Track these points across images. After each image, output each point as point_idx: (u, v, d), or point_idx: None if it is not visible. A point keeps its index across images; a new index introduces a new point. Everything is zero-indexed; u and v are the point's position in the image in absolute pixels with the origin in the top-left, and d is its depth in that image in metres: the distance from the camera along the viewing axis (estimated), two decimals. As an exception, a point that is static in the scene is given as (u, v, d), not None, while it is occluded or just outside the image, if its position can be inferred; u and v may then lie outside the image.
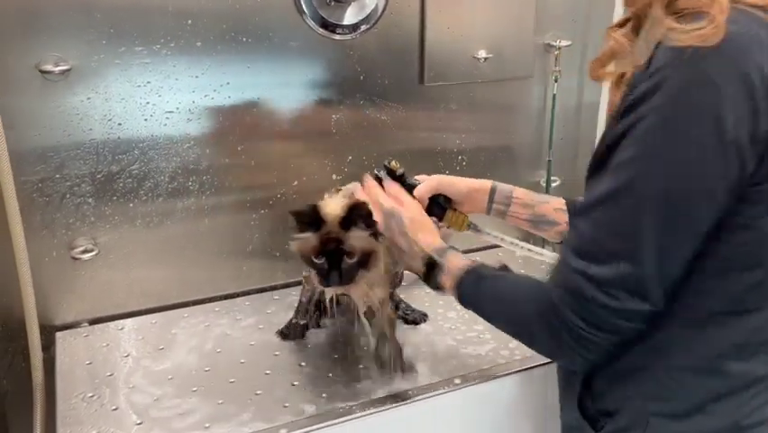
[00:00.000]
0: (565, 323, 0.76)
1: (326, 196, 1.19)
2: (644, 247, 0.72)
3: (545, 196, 1.21)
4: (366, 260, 1.06)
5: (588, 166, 0.82)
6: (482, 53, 1.61)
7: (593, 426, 0.88)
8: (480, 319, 0.97)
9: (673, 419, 0.81)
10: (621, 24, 0.84)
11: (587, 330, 0.75)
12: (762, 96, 0.68)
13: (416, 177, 1.19)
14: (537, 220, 1.17)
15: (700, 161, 0.70)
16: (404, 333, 1.36)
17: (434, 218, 1.17)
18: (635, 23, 0.80)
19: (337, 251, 1.03)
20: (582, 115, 1.82)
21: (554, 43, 1.71)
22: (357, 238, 1.04)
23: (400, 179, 1.16)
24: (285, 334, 1.36)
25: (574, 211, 0.80)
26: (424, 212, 1.13)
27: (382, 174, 1.16)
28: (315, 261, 1.05)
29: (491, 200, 1.19)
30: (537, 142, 1.79)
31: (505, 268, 0.97)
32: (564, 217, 1.16)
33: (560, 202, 1.18)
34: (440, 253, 1.02)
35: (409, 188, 1.16)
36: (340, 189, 1.22)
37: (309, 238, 1.04)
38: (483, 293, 0.94)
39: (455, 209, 1.20)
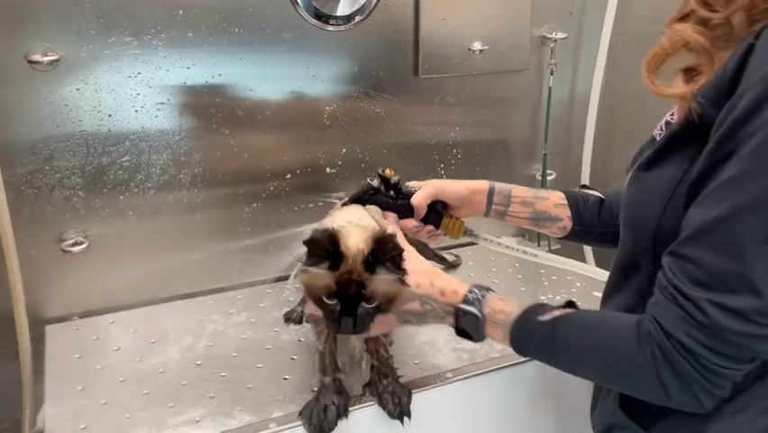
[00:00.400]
0: (698, 362, 0.68)
1: (335, 210, 1.09)
2: None
3: (544, 191, 1.19)
4: (387, 305, 0.88)
5: (645, 159, 0.78)
6: (478, 45, 1.60)
7: (640, 423, 0.81)
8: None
9: (734, 414, 0.75)
10: (682, 18, 0.76)
11: (724, 365, 0.68)
12: None
13: (409, 183, 1.14)
14: (538, 218, 1.15)
15: None
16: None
17: (431, 226, 1.15)
18: (706, 18, 0.73)
19: (355, 295, 0.86)
20: (577, 108, 1.81)
21: (550, 36, 1.70)
22: (382, 282, 0.86)
23: (395, 188, 1.12)
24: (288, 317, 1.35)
25: (580, 209, 0.74)
26: (420, 256, 0.99)
27: (376, 183, 1.11)
28: (327, 301, 0.87)
29: (490, 201, 1.16)
30: (533, 135, 1.78)
31: (572, 304, 0.85)
32: (566, 212, 1.14)
33: (559, 197, 1.15)
34: (473, 301, 0.88)
35: (406, 196, 1.12)
36: (345, 202, 1.12)
37: (323, 275, 0.87)
38: (562, 337, 0.80)
39: (451, 216, 1.17)
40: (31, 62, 1.24)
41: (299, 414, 1.00)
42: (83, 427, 1.07)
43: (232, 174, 1.47)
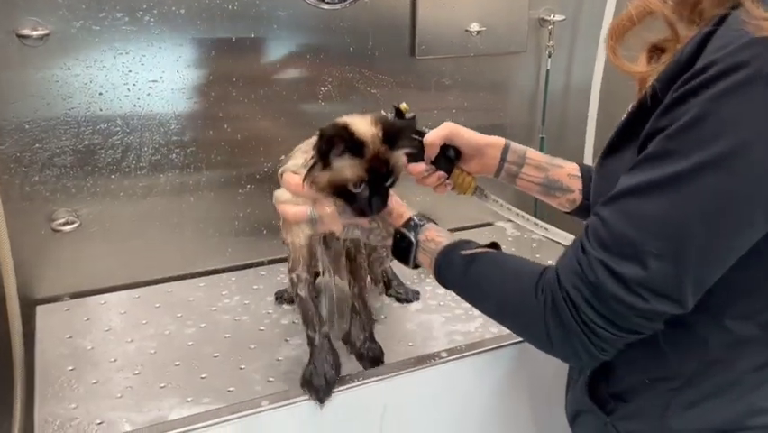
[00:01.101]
0: (580, 317, 0.69)
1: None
2: (686, 247, 0.64)
3: (559, 159, 1.11)
4: (397, 179, 0.93)
5: (606, 146, 0.76)
6: (475, 26, 1.58)
7: (603, 409, 0.83)
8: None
9: (692, 405, 0.77)
10: None
11: (604, 327, 0.69)
12: None
13: (424, 128, 1.09)
14: (550, 185, 1.08)
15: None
16: (393, 310, 1.34)
17: (443, 173, 1.08)
18: None
19: (382, 175, 0.90)
20: (575, 91, 1.80)
21: (548, 18, 1.68)
22: (400, 157, 0.93)
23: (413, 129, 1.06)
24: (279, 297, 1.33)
25: (589, 182, 0.72)
26: None
27: (391, 117, 1.06)
28: (354, 190, 0.89)
29: (503, 159, 1.08)
30: (529, 118, 1.77)
31: (495, 246, 0.86)
32: (578, 185, 1.08)
33: (574, 168, 1.09)
34: (413, 227, 0.91)
35: (419, 134, 1.06)
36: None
37: (353, 164, 0.89)
38: (475, 274, 0.83)
39: (462, 169, 1.10)
40: (20, 37, 1.22)
41: (301, 385, 1.01)
42: (73, 406, 1.06)
43: (225, 155, 1.45)
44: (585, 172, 1.09)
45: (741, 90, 0.60)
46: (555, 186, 1.08)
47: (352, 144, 0.89)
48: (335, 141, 0.88)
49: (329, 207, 0.94)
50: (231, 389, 1.10)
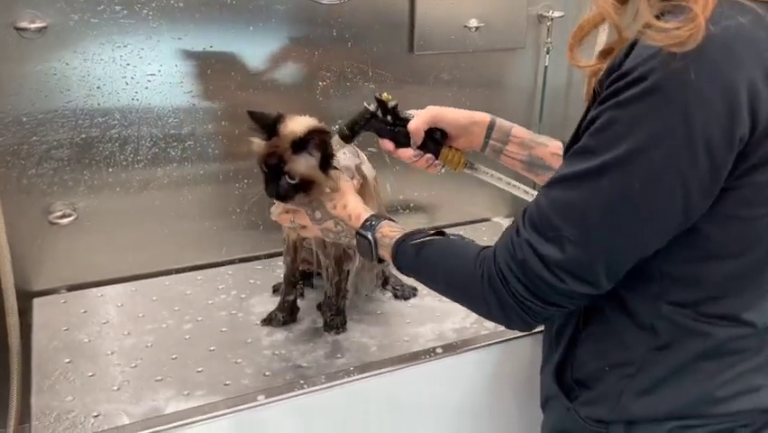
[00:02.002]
0: (510, 290, 0.76)
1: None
2: (594, 235, 0.71)
3: (544, 138, 1.13)
4: (307, 186, 1.04)
5: (569, 139, 0.78)
6: (474, 22, 1.58)
7: (567, 395, 0.88)
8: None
9: (646, 392, 0.80)
10: None
11: (531, 300, 0.76)
12: (744, 108, 0.64)
13: (409, 111, 1.09)
14: (533, 163, 1.11)
15: (664, 158, 0.67)
16: (390, 306, 1.35)
17: (430, 155, 1.10)
18: None
19: (277, 167, 1.03)
20: (573, 87, 1.80)
21: (547, 14, 1.68)
22: (301, 163, 1.04)
23: (393, 113, 1.07)
24: (271, 319, 1.29)
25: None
26: (349, 187, 1.08)
27: (372, 107, 1.06)
28: (262, 168, 1.05)
29: (488, 135, 1.11)
30: (528, 114, 1.77)
31: (441, 233, 0.93)
32: (560, 163, 1.10)
33: (558, 146, 1.11)
34: (369, 227, 0.98)
35: (403, 122, 1.07)
36: (341, 129, 1.11)
37: (258, 144, 1.06)
38: (424, 259, 0.90)
39: (451, 146, 1.11)
40: (18, 29, 1.21)
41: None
42: (70, 398, 1.07)
43: (223, 149, 1.45)
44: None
45: (640, 101, 0.66)
46: (538, 164, 1.11)
47: (270, 129, 1.05)
48: (259, 122, 1.06)
49: (305, 219, 1.09)
50: (227, 383, 1.10)
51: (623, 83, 0.67)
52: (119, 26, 1.29)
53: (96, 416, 1.03)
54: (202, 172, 1.45)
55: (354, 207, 1.04)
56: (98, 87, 1.31)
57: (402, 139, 1.08)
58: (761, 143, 0.66)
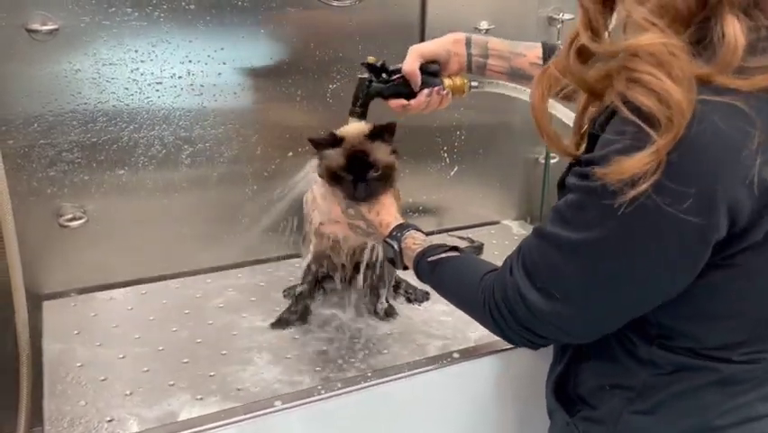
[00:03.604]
0: (506, 323, 0.80)
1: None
2: (574, 297, 0.73)
3: (522, 46, 1.14)
4: (388, 175, 1.08)
5: (561, 177, 0.79)
6: (484, 24, 1.58)
7: (567, 409, 0.88)
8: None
9: (645, 414, 0.80)
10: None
11: (521, 335, 0.79)
12: (721, 216, 0.63)
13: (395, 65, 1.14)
14: (514, 74, 1.13)
15: (638, 246, 0.68)
16: (403, 310, 1.34)
17: (437, 87, 1.13)
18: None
19: (363, 164, 1.06)
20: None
21: (557, 16, 1.67)
22: (381, 150, 1.08)
23: (384, 70, 1.12)
24: (281, 321, 1.30)
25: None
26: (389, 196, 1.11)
27: (366, 74, 1.12)
28: (342, 174, 1.07)
29: (469, 50, 1.14)
30: (537, 117, 1.76)
31: (455, 248, 0.96)
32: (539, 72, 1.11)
33: (536, 55, 1.12)
34: (395, 237, 1.02)
35: (394, 72, 1.12)
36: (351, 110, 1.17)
37: (334, 153, 1.07)
38: (438, 277, 0.95)
39: (448, 75, 1.15)
40: (29, 31, 1.21)
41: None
42: (83, 403, 1.06)
43: (233, 151, 1.45)
44: (549, 53, 1.12)
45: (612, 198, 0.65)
46: (519, 74, 1.13)
47: (333, 139, 1.08)
48: (318, 139, 1.09)
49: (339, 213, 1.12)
50: (239, 387, 1.10)
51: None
52: (130, 28, 1.28)
53: (109, 421, 1.02)
54: (212, 174, 1.44)
55: (386, 215, 1.06)
56: (109, 90, 1.31)
57: (404, 90, 1.12)
58: (745, 235, 0.66)
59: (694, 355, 0.76)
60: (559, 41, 1.67)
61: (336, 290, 1.38)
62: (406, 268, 1.01)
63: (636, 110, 0.63)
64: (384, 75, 1.12)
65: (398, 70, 1.11)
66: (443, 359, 1.07)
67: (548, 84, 0.75)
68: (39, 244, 1.33)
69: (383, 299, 1.32)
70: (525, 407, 1.17)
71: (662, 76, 0.61)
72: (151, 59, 1.32)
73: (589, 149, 0.72)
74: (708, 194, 0.62)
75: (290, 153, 1.49)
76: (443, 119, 1.64)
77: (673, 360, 0.77)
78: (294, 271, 1.48)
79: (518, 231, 1.78)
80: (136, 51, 1.30)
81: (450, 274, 0.93)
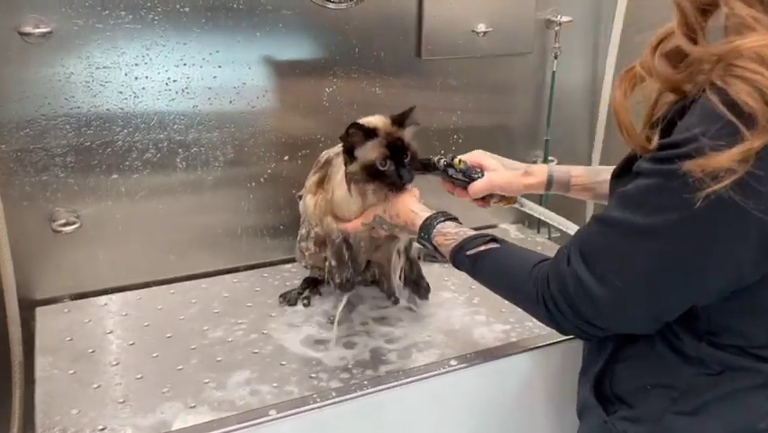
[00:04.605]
0: (563, 315, 0.79)
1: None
2: (637, 286, 0.73)
3: (605, 171, 1.09)
4: (414, 159, 1.11)
5: (616, 167, 0.80)
6: (482, 27, 1.57)
7: (605, 408, 0.87)
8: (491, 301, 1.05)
9: (688, 416, 0.79)
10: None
11: (581, 325, 0.79)
12: None
13: (468, 161, 1.14)
14: (601, 199, 1.12)
15: (715, 230, 0.67)
16: (408, 314, 1.34)
17: (492, 199, 1.16)
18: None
19: (402, 151, 1.08)
20: (580, 93, 1.78)
21: (555, 19, 1.66)
22: (411, 132, 1.12)
23: (463, 173, 1.13)
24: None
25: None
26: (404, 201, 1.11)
27: (442, 164, 1.14)
28: (382, 168, 1.07)
29: (548, 189, 1.14)
30: (535, 120, 1.75)
31: (494, 239, 0.95)
32: None
33: None
34: (425, 238, 1.02)
35: (466, 176, 1.13)
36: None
37: (373, 145, 1.08)
38: (481, 270, 0.94)
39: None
40: (22, 34, 1.20)
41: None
42: (75, 411, 1.05)
43: (228, 155, 1.43)
44: None
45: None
46: (605, 198, 1.08)
47: (366, 132, 1.08)
48: (352, 134, 1.07)
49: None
50: (235, 395, 1.08)
51: (669, 154, 0.67)
52: (124, 31, 1.27)
53: (101, 429, 1.01)
54: (207, 179, 1.43)
55: (406, 214, 1.07)
56: (103, 93, 1.30)
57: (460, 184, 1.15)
58: None
59: (742, 354, 0.75)
60: (556, 44, 1.67)
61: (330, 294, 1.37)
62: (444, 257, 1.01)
63: (732, 106, 0.62)
64: (453, 173, 1.14)
65: (470, 179, 1.13)
66: (440, 367, 1.05)
67: (631, 83, 0.75)
68: (32, 250, 1.32)
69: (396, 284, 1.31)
70: (525, 415, 1.16)
71: None
72: (146, 63, 1.31)
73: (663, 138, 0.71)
74: None
75: (286, 157, 1.49)
76: (441, 122, 1.63)
77: (721, 358, 0.76)
78: (290, 277, 1.47)
79: (516, 234, 1.76)
80: (130, 55, 1.29)
81: (495, 267, 0.92)
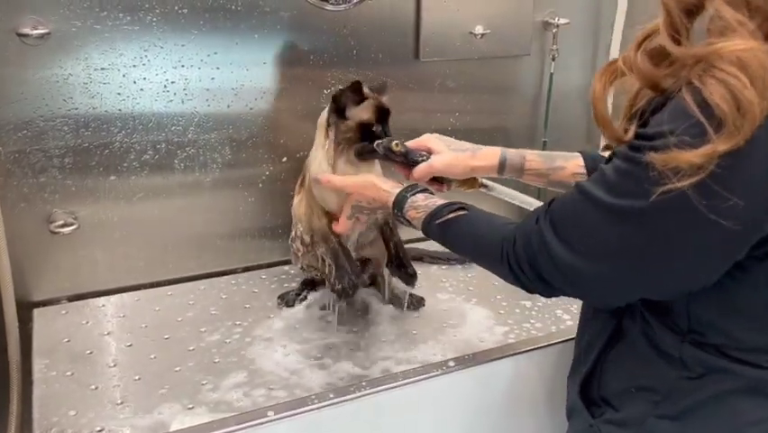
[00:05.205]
0: (523, 272, 0.81)
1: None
2: (603, 261, 0.73)
3: (561, 159, 1.11)
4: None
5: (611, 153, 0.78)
6: (479, 29, 1.57)
7: (591, 411, 0.87)
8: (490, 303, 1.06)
9: (671, 420, 0.79)
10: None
11: (538, 285, 0.80)
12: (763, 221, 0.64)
13: (412, 146, 1.13)
14: (554, 186, 1.11)
15: (672, 238, 0.68)
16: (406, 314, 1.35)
17: (438, 185, 1.13)
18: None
19: (387, 114, 1.18)
20: (578, 94, 1.79)
21: (552, 21, 1.67)
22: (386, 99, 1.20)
23: (403, 155, 1.12)
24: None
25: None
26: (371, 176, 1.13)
27: (381, 150, 1.13)
28: (376, 129, 1.15)
29: (501, 172, 1.11)
30: (532, 122, 1.76)
31: (462, 208, 0.96)
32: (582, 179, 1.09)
33: (577, 165, 1.09)
34: (398, 215, 1.03)
35: (411, 162, 1.11)
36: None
37: (364, 109, 1.16)
38: (451, 236, 0.96)
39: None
40: (20, 35, 1.19)
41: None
42: (73, 413, 1.05)
43: (226, 157, 1.43)
44: (591, 165, 1.09)
45: None
46: (560, 186, 1.10)
47: (360, 93, 1.15)
48: (348, 94, 1.15)
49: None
50: (232, 397, 1.08)
51: (643, 144, 0.67)
52: (122, 33, 1.27)
53: (99, 431, 1.01)
54: (205, 180, 1.43)
55: (378, 195, 1.07)
56: (100, 95, 1.30)
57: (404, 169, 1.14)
58: None
59: (724, 356, 0.75)
60: (554, 46, 1.68)
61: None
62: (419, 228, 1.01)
63: (704, 106, 0.62)
64: (398, 158, 1.12)
65: (414, 162, 1.11)
66: (438, 368, 1.05)
67: (612, 77, 0.76)
68: (29, 251, 1.32)
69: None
70: (523, 416, 1.16)
71: (747, 81, 0.60)
72: (144, 64, 1.31)
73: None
74: (749, 206, 0.63)
75: (284, 159, 1.49)
76: (438, 123, 1.63)
77: (704, 360, 0.76)
78: (288, 278, 1.47)
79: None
80: (128, 56, 1.29)
81: (463, 232, 0.93)
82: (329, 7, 1.42)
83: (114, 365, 1.17)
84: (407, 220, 1.01)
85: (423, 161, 1.10)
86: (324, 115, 1.21)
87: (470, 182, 1.15)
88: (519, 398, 1.14)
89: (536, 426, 1.16)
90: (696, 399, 0.77)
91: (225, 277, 1.48)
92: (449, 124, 1.65)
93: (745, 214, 0.63)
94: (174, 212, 1.43)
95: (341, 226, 1.18)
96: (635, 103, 0.76)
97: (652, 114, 0.70)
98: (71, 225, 1.34)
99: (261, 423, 0.92)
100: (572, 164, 1.09)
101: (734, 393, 0.76)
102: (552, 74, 1.70)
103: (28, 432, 1.05)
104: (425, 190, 1.03)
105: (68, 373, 1.14)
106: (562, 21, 1.67)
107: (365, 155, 1.17)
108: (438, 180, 1.13)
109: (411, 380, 1.04)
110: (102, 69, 1.28)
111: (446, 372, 1.06)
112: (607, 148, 1.15)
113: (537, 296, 0.86)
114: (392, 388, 1.02)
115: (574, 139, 1.82)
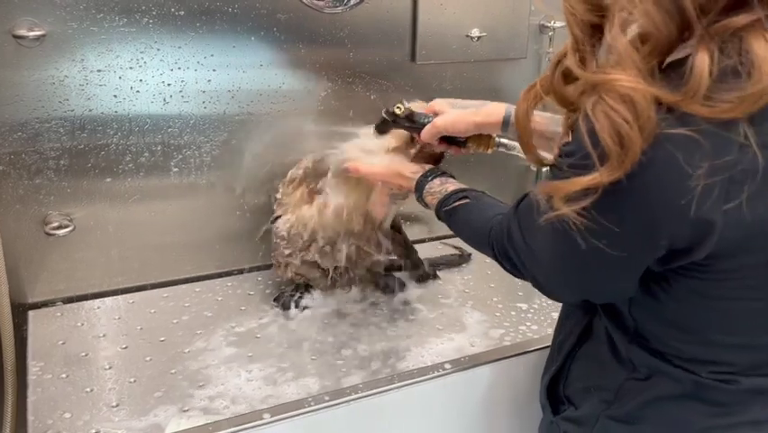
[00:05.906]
0: (499, 260, 0.88)
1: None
2: (534, 251, 0.77)
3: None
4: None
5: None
6: (476, 32, 1.57)
7: (554, 408, 0.89)
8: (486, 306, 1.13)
9: (619, 422, 0.80)
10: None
11: (504, 261, 0.87)
12: (667, 231, 0.64)
13: (419, 108, 1.17)
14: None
15: (566, 257, 0.72)
16: (401, 314, 1.34)
17: (455, 148, 1.15)
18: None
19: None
20: (575, 98, 1.79)
21: (548, 24, 1.67)
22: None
23: (408, 119, 1.14)
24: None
25: None
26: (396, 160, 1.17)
27: (387, 116, 1.16)
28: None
29: (505, 130, 1.10)
30: (529, 125, 1.76)
31: (466, 196, 1.01)
32: None
33: None
34: (419, 198, 1.08)
35: (418, 125, 1.13)
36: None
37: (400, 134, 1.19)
38: (454, 224, 1.03)
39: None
40: (16, 37, 1.19)
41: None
42: (68, 415, 1.04)
43: (222, 159, 1.43)
44: None
45: None
46: None
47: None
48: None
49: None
50: (229, 399, 1.08)
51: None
52: (119, 35, 1.27)
53: (94, 433, 1.01)
54: (202, 182, 1.43)
55: (404, 181, 1.11)
56: (97, 96, 1.29)
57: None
58: (684, 255, 0.66)
59: (666, 361, 0.76)
60: (550, 49, 1.68)
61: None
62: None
63: (593, 137, 0.62)
64: (407, 123, 1.14)
65: (422, 124, 1.12)
66: (435, 370, 1.06)
67: (534, 100, 0.77)
68: (24, 253, 1.31)
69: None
70: (519, 418, 1.16)
71: (632, 119, 0.60)
72: (140, 66, 1.30)
73: None
74: (636, 235, 0.65)
75: (281, 161, 1.48)
76: (435, 126, 1.63)
77: (649, 362, 0.77)
78: (284, 281, 1.47)
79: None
80: (124, 58, 1.29)
81: (463, 219, 0.99)
82: (326, 10, 1.42)
83: (110, 368, 1.17)
84: (426, 205, 1.07)
85: (429, 122, 1.11)
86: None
87: (485, 142, 1.14)
88: (515, 400, 1.14)
89: (534, 427, 1.16)
90: (641, 401, 0.78)
91: (221, 279, 1.48)
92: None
93: (622, 243, 0.65)
94: (170, 214, 1.42)
95: (380, 211, 1.24)
96: (566, 122, 0.75)
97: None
98: (67, 226, 1.33)
99: (257, 426, 0.92)
100: None
101: (676, 399, 0.76)
102: (548, 77, 1.71)
103: (23, 434, 1.04)
104: (442, 174, 1.07)
105: (64, 376, 1.14)
106: (558, 24, 1.67)
107: (381, 127, 1.19)
108: (455, 143, 1.14)
109: (407, 382, 1.04)
110: (98, 70, 1.28)
111: (442, 374, 1.06)
112: None
113: (533, 299, 0.87)
114: (388, 391, 1.02)
115: (570, 142, 1.82)
